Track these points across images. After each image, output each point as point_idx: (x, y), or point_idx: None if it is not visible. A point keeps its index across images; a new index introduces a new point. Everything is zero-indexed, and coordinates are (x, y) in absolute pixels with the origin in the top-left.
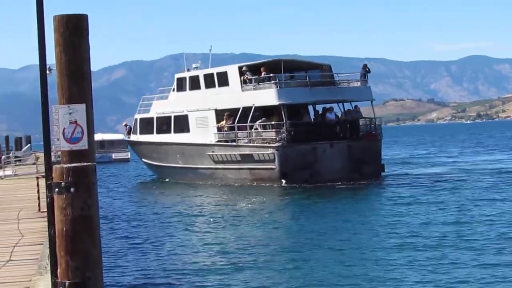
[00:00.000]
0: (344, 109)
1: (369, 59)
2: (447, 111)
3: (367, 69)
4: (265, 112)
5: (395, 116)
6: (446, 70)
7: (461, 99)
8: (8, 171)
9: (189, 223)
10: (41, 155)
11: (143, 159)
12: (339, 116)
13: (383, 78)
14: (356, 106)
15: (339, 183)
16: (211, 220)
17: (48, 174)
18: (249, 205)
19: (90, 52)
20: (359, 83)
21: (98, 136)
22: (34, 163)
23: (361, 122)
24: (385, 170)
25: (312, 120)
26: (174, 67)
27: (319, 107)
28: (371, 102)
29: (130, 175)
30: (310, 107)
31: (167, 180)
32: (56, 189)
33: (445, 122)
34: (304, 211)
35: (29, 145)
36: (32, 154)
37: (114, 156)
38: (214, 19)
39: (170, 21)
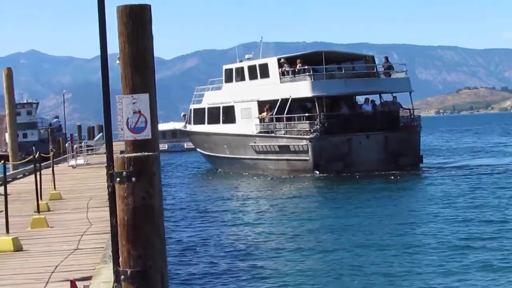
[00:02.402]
0: (381, 100)
1: (442, 47)
2: None
3: (389, 62)
4: (302, 103)
5: (468, 105)
6: None
7: None
8: (80, 160)
9: (238, 217)
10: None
11: (197, 149)
12: (377, 107)
13: (456, 66)
14: (394, 97)
15: (376, 172)
16: (252, 213)
17: (109, 164)
18: (283, 198)
19: (157, 41)
20: (401, 74)
21: (170, 125)
22: (105, 153)
23: (401, 113)
24: (424, 161)
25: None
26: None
27: (362, 99)
28: (410, 93)
29: (191, 165)
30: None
31: (218, 170)
32: (118, 179)
33: None
34: (335, 202)
35: (101, 134)
36: (103, 143)
37: (186, 145)
38: (287, 7)
39: (243, 9)
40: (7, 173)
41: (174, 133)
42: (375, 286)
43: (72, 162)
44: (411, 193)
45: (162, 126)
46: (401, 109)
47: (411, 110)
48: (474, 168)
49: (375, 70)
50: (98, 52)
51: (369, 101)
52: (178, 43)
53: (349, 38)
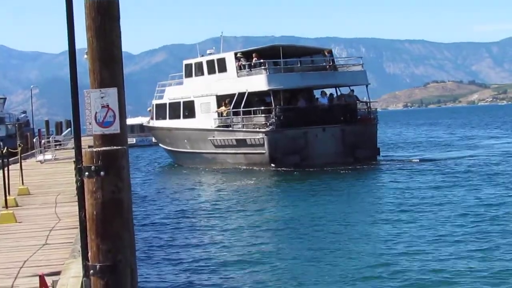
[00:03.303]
0: (337, 93)
1: (409, 40)
2: (488, 92)
3: (330, 54)
4: (261, 97)
5: (436, 98)
6: (487, 52)
7: (502, 80)
8: (48, 155)
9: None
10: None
11: (160, 144)
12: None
13: (423, 60)
14: (352, 91)
15: (333, 166)
16: (207, 208)
17: (78, 158)
18: (239, 192)
19: (125, 36)
20: (358, 67)
21: (138, 120)
22: (73, 148)
23: (358, 106)
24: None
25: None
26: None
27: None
28: (366, 86)
29: (155, 160)
30: (318, 93)
31: (179, 165)
32: (86, 173)
33: (486, 103)
34: (290, 196)
35: (69, 129)
36: (71, 138)
37: (154, 139)
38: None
39: (212, 3)
40: None
41: (142, 127)
42: (326, 280)
43: (40, 157)
44: (366, 185)
45: (130, 121)
46: (357, 102)
47: (368, 103)
48: (435, 161)
49: (331, 64)
50: (66, 47)
51: (325, 94)
52: (146, 37)
53: (318, 32)
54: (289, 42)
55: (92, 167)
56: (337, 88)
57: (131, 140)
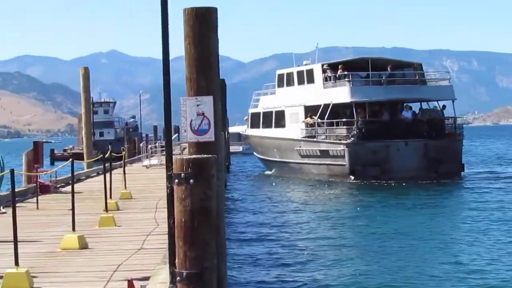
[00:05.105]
0: (421, 107)
1: None
2: None
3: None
4: (346, 109)
5: None
6: None
7: None
8: (154, 160)
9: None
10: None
11: (254, 152)
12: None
13: None
14: (444, 106)
15: (410, 182)
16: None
17: (168, 165)
18: (320, 204)
19: (236, 45)
20: (445, 82)
21: (245, 128)
22: (180, 153)
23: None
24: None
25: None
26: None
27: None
28: (453, 101)
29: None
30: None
31: (270, 173)
32: (176, 180)
33: None
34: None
35: (176, 135)
36: (178, 144)
37: None
38: (368, 12)
39: (322, 14)
40: (82, 171)
41: None
42: None
43: (146, 162)
44: (447, 201)
45: (238, 128)
46: (443, 117)
47: (454, 118)
48: None
49: (417, 77)
50: (178, 53)
51: (410, 108)
52: (256, 46)
53: (430, 44)
54: (400, 54)
55: (182, 174)
56: (427, 103)
57: (238, 148)
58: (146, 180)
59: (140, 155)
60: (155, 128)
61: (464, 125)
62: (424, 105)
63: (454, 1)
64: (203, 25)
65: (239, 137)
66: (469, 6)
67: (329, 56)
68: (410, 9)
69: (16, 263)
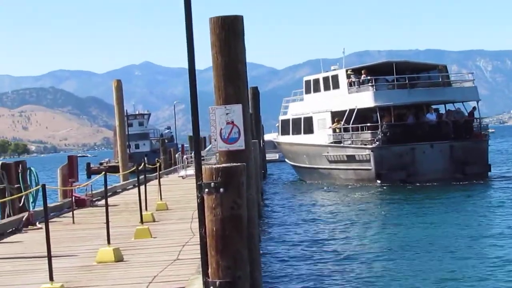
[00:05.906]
0: (450, 108)
1: None
2: None
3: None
4: (370, 113)
5: None
6: None
7: None
8: (190, 171)
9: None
10: None
11: (285, 159)
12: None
13: None
14: (474, 108)
15: (436, 184)
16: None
17: (198, 175)
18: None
19: (269, 51)
20: (469, 83)
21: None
22: (216, 163)
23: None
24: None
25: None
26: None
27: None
28: (477, 102)
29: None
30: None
31: (299, 180)
32: (206, 190)
33: None
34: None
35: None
36: (215, 153)
37: None
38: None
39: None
40: (118, 184)
41: None
42: None
43: (182, 172)
44: (475, 203)
45: (272, 136)
46: (467, 118)
47: (479, 119)
48: None
49: (440, 80)
50: (210, 63)
51: (433, 110)
52: (290, 52)
53: (463, 45)
54: (433, 55)
55: (212, 183)
56: (453, 104)
57: (274, 156)
58: (182, 191)
59: (176, 166)
60: (190, 138)
61: (499, 124)
62: (451, 107)
63: (488, 1)
64: (229, 33)
65: (274, 144)
66: (503, 5)
67: (362, 60)
68: (443, 10)
69: (51, 278)
